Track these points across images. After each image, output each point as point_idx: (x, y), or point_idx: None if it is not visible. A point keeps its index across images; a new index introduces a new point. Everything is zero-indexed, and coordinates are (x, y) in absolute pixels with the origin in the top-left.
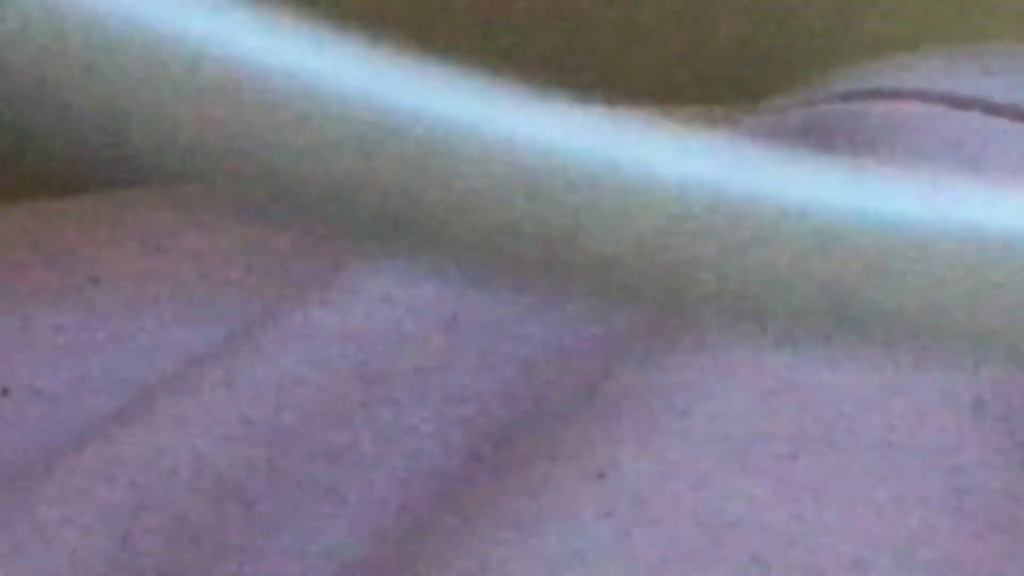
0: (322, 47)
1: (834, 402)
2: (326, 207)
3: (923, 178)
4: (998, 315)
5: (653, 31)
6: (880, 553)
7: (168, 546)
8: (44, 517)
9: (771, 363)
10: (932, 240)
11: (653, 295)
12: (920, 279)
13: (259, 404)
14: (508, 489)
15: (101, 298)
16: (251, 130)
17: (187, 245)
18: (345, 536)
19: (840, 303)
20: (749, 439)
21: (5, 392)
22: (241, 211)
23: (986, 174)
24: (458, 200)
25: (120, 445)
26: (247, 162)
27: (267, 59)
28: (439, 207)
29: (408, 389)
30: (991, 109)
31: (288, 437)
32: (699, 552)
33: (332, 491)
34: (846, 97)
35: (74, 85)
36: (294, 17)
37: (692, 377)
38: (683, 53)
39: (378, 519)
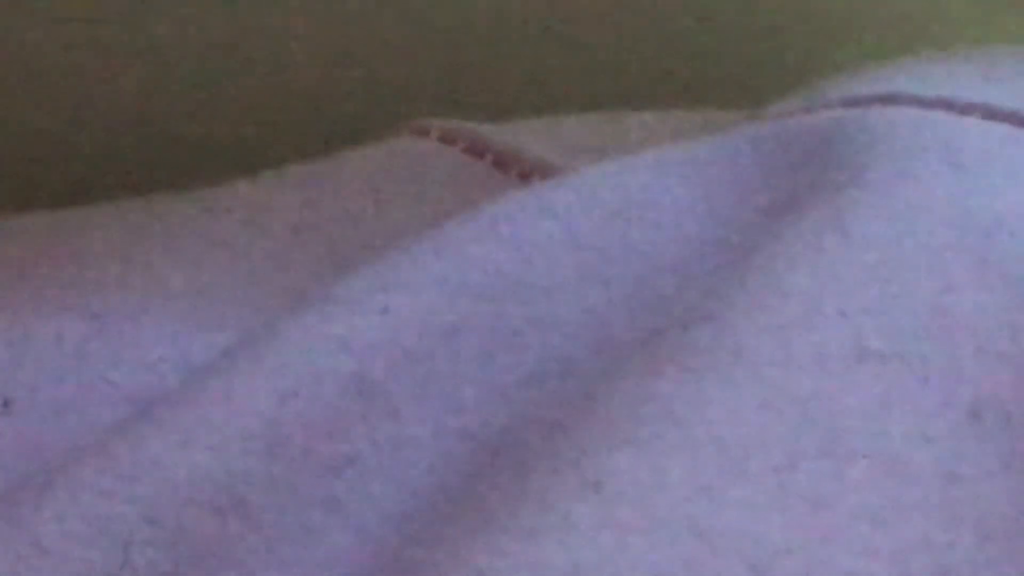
0: None
1: (831, 411)
2: None
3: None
4: None
5: (653, 34)
6: (878, 562)
7: (168, 559)
8: (44, 530)
9: (769, 372)
10: None
11: None
12: None
13: (259, 416)
14: (507, 499)
15: (102, 309)
16: None
17: (187, 255)
18: (345, 547)
19: None
20: (747, 448)
21: (6, 404)
22: (241, 223)
23: (985, 180)
24: None
25: (120, 458)
26: None
27: None
28: None
29: (408, 400)
30: (991, 114)
31: (288, 449)
32: (696, 561)
33: (332, 502)
34: (846, 103)
35: None
36: None
37: (690, 386)
38: (684, 58)
39: (378, 530)
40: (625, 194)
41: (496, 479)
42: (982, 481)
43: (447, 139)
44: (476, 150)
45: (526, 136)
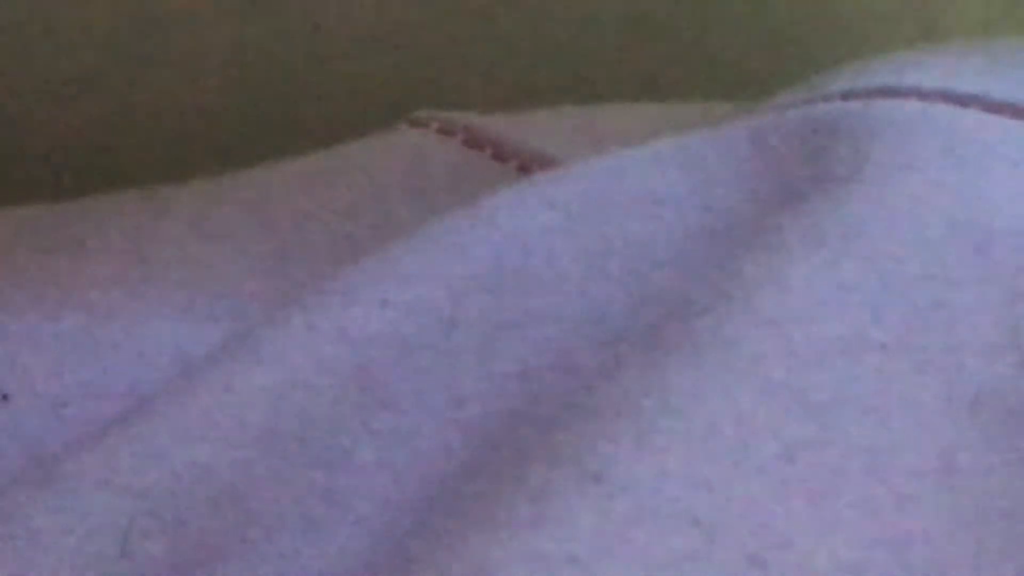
0: None
1: (831, 403)
2: None
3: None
4: None
5: (653, 29)
6: (877, 553)
7: (167, 552)
8: (43, 524)
9: (768, 363)
10: None
11: None
12: None
13: (258, 409)
14: (506, 492)
15: (101, 303)
16: None
17: (186, 249)
18: (344, 540)
19: None
20: (746, 440)
21: (5, 398)
22: (240, 215)
23: (984, 172)
24: None
25: (119, 451)
26: None
27: None
28: None
29: (407, 392)
30: (990, 106)
31: (287, 441)
32: (696, 553)
33: (331, 495)
34: (846, 96)
35: None
36: None
37: (690, 378)
38: (684, 51)
39: (377, 522)
40: (624, 186)
41: (495, 471)
42: (982, 474)
43: (446, 131)
44: (475, 142)
45: (525, 128)
